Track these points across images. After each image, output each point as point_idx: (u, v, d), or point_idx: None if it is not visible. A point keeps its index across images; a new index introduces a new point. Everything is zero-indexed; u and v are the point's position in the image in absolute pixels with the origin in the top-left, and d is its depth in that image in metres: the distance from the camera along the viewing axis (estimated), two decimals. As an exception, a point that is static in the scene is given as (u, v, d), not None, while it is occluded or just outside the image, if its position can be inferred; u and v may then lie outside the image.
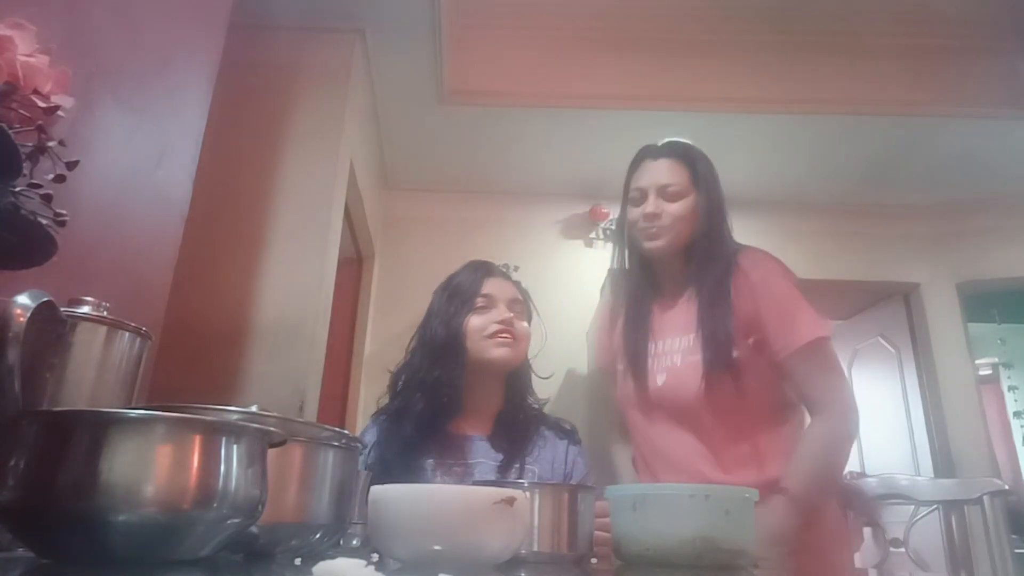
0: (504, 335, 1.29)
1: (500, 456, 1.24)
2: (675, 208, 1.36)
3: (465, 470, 1.21)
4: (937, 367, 3.53)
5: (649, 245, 1.37)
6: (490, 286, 1.33)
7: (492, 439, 1.27)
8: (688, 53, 2.76)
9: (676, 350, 1.32)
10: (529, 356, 1.38)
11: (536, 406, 1.37)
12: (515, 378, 1.33)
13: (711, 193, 1.39)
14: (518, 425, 1.28)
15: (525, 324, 1.35)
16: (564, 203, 3.69)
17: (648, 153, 1.43)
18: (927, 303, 3.65)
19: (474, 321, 1.29)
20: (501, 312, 1.30)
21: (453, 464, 1.22)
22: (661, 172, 1.38)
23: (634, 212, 1.39)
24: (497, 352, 1.28)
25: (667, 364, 1.32)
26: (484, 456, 1.24)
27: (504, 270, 1.43)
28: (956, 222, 3.68)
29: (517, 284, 1.41)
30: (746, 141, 3.16)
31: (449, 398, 1.25)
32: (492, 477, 1.19)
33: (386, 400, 1.36)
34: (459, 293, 1.33)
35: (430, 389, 1.25)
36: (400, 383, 1.33)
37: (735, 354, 1.24)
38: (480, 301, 1.31)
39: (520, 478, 1.20)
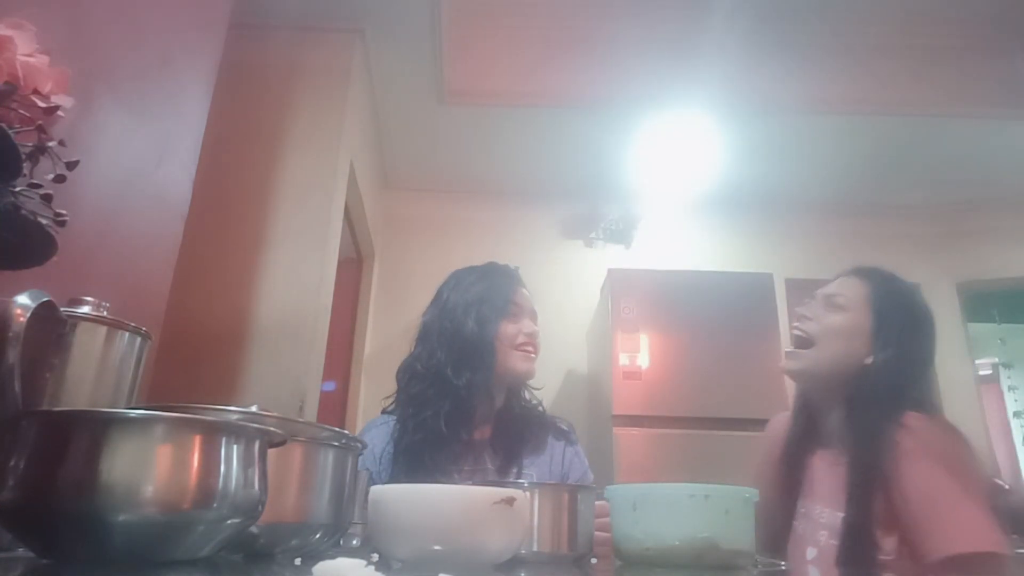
0: (528, 347, 1.29)
1: (499, 459, 1.23)
2: (833, 320, 1.18)
3: (469, 475, 1.20)
4: (937, 367, 3.52)
5: (788, 367, 1.20)
6: (519, 296, 1.33)
7: (492, 441, 1.26)
8: (689, 54, 2.76)
9: (825, 525, 1.11)
10: None
11: (534, 402, 1.36)
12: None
13: (892, 321, 1.17)
14: (516, 426, 1.28)
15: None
16: (564, 203, 3.69)
17: (840, 274, 1.31)
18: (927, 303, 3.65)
19: (505, 328, 1.27)
20: (529, 324, 1.30)
21: (463, 469, 1.21)
22: (834, 284, 1.25)
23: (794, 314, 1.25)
24: (523, 366, 1.27)
25: (815, 538, 1.11)
26: (486, 460, 1.24)
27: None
28: (956, 222, 3.68)
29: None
30: (746, 141, 3.16)
31: (476, 404, 1.23)
32: (491, 479, 1.19)
33: (391, 397, 1.32)
34: (492, 297, 1.29)
35: (458, 394, 1.21)
36: (415, 381, 1.26)
37: (887, 558, 1.02)
38: (512, 308, 1.30)
39: (518, 480, 1.19)
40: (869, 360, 1.14)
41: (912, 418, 1.08)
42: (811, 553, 1.12)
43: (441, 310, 1.31)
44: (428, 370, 1.25)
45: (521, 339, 1.28)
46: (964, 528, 0.99)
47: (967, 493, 1.02)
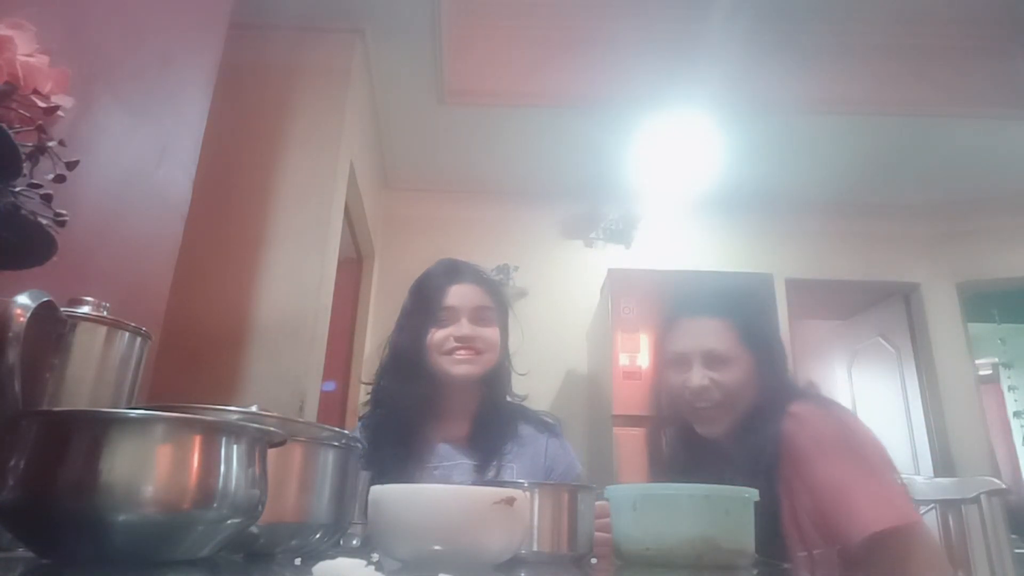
0: (463, 351, 1.25)
1: (477, 458, 1.23)
2: (728, 377, 1.13)
3: (443, 473, 1.21)
4: (937, 367, 3.54)
5: (704, 431, 1.15)
6: (454, 296, 1.28)
7: (470, 441, 1.26)
8: (689, 54, 2.76)
9: None
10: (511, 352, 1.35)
11: (515, 401, 1.36)
12: (489, 381, 1.30)
13: (763, 347, 1.16)
14: (494, 426, 1.27)
15: (491, 331, 1.28)
16: (564, 203, 3.69)
17: (683, 310, 1.22)
18: (927, 303, 3.66)
19: (435, 336, 1.26)
20: (462, 327, 1.25)
21: (433, 469, 1.21)
22: (704, 335, 1.16)
23: (676, 379, 1.17)
24: (457, 369, 1.24)
25: None
26: (461, 458, 1.24)
27: (475, 268, 1.36)
28: (956, 222, 3.68)
29: (488, 283, 1.35)
30: (746, 142, 3.16)
31: (423, 414, 1.24)
32: (469, 479, 1.19)
33: (366, 408, 1.34)
34: (423, 303, 1.29)
35: (404, 405, 1.23)
36: (380, 388, 1.30)
37: (804, 554, 1.02)
38: (443, 314, 1.27)
39: (498, 477, 1.19)
40: (759, 395, 1.14)
41: (798, 406, 1.08)
42: None
43: (397, 322, 1.34)
44: (385, 381, 1.29)
45: (449, 345, 1.24)
46: (873, 506, 0.98)
47: (866, 470, 1.02)
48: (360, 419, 1.34)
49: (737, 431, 1.14)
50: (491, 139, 3.25)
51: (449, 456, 1.24)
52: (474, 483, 1.16)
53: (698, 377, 1.13)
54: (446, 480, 1.19)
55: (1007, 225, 3.61)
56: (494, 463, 1.22)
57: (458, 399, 1.29)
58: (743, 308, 1.22)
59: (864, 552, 0.96)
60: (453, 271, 1.32)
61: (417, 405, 1.23)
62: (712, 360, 1.14)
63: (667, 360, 1.20)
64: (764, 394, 1.13)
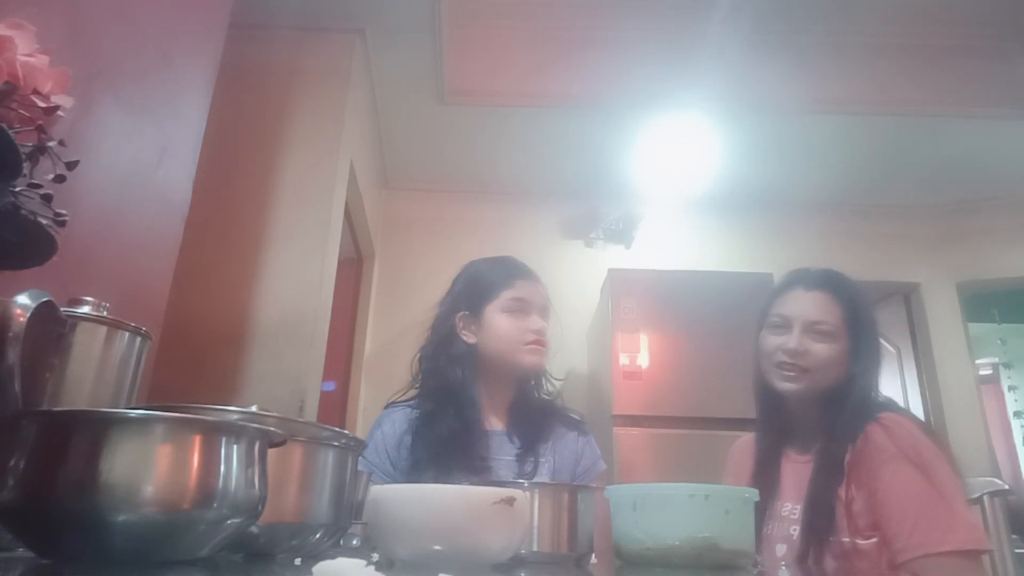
0: (536, 344, 1.28)
1: (516, 448, 1.25)
2: (822, 350, 1.19)
3: (485, 464, 1.22)
4: (937, 367, 3.53)
5: (784, 387, 1.21)
6: (524, 289, 1.31)
7: (508, 431, 1.28)
8: (689, 54, 2.76)
9: (796, 520, 1.15)
10: None
11: (547, 397, 1.37)
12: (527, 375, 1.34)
13: (865, 340, 1.22)
14: (531, 417, 1.29)
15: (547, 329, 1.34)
16: (564, 203, 3.69)
17: (801, 280, 1.29)
18: (927, 303, 3.65)
19: (508, 325, 1.28)
20: (536, 321, 1.29)
21: (476, 458, 1.22)
22: (813, 306, 1.22)
23: (772, 341, 1.24)
24: (530, 359, 1.28)
25: (785, 533, 1.15)
26: (502, 449, 1.25)
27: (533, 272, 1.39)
28: (956, 222, 3.68)
29: (542, 283, 1.39)
30: (746, 142, 3.16)
31: (472, 404, 1.26)
32: (511, 468, 1.22)
33: (402, 392, 1.35)
34: (488, 293, 1.31)
35: (456, 394, 1.25)
36: (424, 379, 1.31)
37: (846, 540, 1.07)
38: (513, 304, 1.29)
39: (535, 470, 1.22)
40: (850, 371, 1.20)
41: (887, 418, 1.13)
42: (781, 550, 1.15)
43: (451, 302, 1.35)
44: (433, 366, 1.30)
45: (528, 338, 1.28)
46: (950, 526, 1.00)
47: (946, 490, 1.04)
48: (404, 405, 1.33)
49: (825, 402, 1.19)
50: (491, 139, 3.25)
51: (491, 447, 1.26)
52: (515, 474, 1.21)
53: (795, 341, 1.20)
54: (487, 472, 1.21)
55: (1007, 225, 3.61)
56: (531, 458, 1.24)
57: (497, 387, 1.31)
58: (856, 300, 1.26)
59: (928, 566, 0.98)
60: (520, 267, 1.37)
61: (469, 395, 1.26)
62: (812, 330, 1.21)
63: (768, 324, 1.27)
64: (851, 382, 1.18)
